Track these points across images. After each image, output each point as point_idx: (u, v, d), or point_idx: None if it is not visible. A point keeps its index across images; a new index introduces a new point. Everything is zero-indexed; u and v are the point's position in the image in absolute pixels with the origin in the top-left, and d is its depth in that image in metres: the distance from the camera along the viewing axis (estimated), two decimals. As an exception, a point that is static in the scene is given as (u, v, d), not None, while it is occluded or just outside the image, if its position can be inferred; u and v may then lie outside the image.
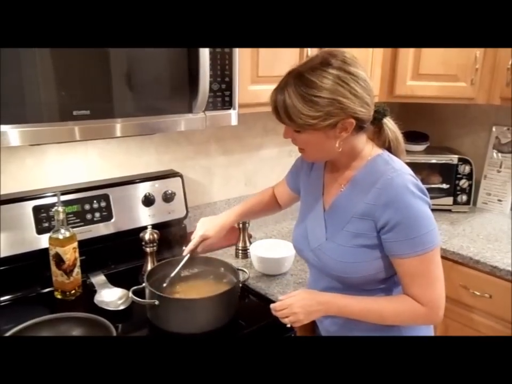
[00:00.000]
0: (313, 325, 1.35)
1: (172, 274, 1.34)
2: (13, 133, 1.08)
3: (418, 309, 1.07)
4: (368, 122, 1.09)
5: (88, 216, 1.54)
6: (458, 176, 2.15)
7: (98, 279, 1.50)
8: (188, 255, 1.36)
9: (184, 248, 1.74)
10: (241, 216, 1.44)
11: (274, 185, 1.50)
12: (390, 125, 1.16)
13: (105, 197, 1.58)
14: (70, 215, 1.49)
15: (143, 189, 1.66)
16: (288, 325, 1.14)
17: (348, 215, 1.12)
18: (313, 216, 1.22)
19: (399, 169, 1.08)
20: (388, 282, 1.15)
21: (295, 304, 1.12)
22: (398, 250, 1.05)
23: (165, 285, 1.33)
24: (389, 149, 1.16)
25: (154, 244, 1.54)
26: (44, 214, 1.46)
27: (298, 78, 1.02)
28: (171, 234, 1.71)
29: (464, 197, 2.16)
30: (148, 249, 1.53)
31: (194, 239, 1.36)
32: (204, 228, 1.37)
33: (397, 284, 1.14)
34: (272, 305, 1.16)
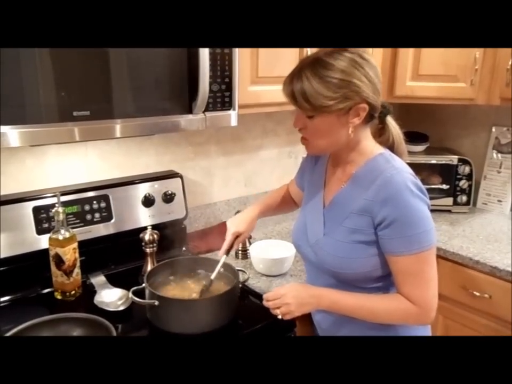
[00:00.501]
0: (311, 323, 1.35)
1: (212, 277, 1.32)
2: (13, 134, 1.08)
3: (410, 308, 1.07)
4: (377, 112, 1.11)
5: (88, 216, 1.54)
6: (458, 176, 2.15)
7: (98, 279, 1.50)
8: (225, 256, 1.34)
9: (184, 249, 1.76)
10: (265, 211, 1.45)
11: (289, 183, 1.51)
12: (393, 122, 1.18)
13: (105, 198, 1.58)
14: (70, 216, 1.49)
15: (143, 189, 1.66)
16: (279, 317, 1.14)
17: (346, 211, 1.12)
18: (313, 212, 1.23)
19: (399, 167, 1.09)
20: (385, 281, 1.15)
21: (288, 295, 1.13)
22: (394, 247, 1.06)
23: (205, 282, 1.35)
24: (391, 148, 1.17)
25: (154, 245, 1.53)
26: (44, 215, 1.46)
27: (315, 61, 1.04)
28: (171, 235, 1.71)
29: (464, 198, 2.16)
30: (147, 250, 1.53)
31: (227, 238, 1.35)
32: (235, 225, 1.36)
33: (393, 284, 1.14)
34: (265, 295, 1.18)
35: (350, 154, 1.14)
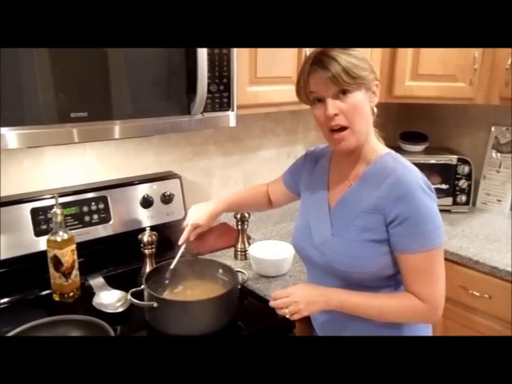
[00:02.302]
0: (310, 325, 1.35)
1: (171, 266, 1.33)
2: (11, 136, 1.07)
3: (419, 306, 1.08)
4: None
5: (86, 218, 1.54)
6: (458, 176, 2.15)
7: (96, 281, 1.50)
8: (184, 245, 1.34)
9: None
10: (230, 206, 1.44)
11: (269, 182, 1.50)
12: None
13: (104, 199, 1.57)
14: (68, 217, 1.49)
15: (142, 190, 1.65)
16: (287, 316, 1.14)
17: (356, 210, 1.12)
18: (317, 214, 1.22)
19: (408, 166, 1.11)
20: (393, 280, 1.15)
21: (297, 293, 1.13)
22: (405, 245, 1.06)
23: (167, 281, 1.32)
24: None
25: (153, 246, 1.53)
26: (42, 216, 1.45)
27: (329, 48, 1.05)
28: (170, 236, 1.70)
29: (464, 197, 2.16)
30: (146, 251, 1.53)
31: (187, 227, 1.34)
32: (195, 216, 1.35)
33: (401, 283, 1.14)
34: (273, 294, 1.17)
35: (363, 149, 1.14)
